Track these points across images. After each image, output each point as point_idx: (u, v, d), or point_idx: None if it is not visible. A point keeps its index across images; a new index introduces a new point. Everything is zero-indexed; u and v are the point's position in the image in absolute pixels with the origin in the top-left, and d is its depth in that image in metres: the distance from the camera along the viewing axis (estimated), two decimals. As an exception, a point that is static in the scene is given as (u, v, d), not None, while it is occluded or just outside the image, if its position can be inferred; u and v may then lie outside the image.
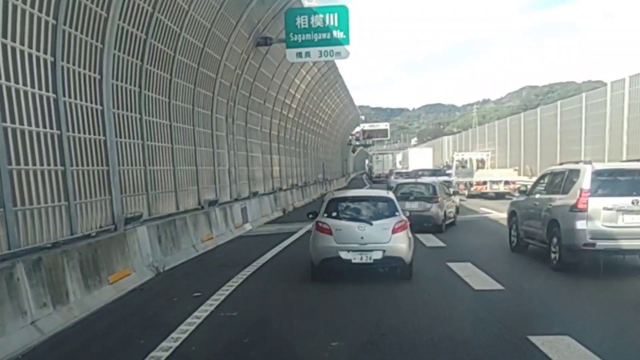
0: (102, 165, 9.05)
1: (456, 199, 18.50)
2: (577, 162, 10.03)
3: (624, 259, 9.38)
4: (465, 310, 6.97)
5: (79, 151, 8.35)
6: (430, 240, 13.34)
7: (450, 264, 10.03)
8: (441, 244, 12.82)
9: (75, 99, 8.30)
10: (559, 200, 9.42)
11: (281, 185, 24.35)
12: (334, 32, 16.74)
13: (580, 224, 8.67)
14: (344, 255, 8.64)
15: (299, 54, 17.04)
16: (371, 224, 8.75)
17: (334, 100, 38.20)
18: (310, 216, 9.72)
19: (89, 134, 8.70)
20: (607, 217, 8.58)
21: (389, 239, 8.70)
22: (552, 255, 9.45)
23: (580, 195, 8.74)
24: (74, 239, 7.77)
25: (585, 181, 8.80)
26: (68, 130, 8.00)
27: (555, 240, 9.33)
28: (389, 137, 77.97)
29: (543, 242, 9.96)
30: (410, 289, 8.28)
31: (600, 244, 8.60)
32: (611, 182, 8.89)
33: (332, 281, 8.84)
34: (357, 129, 70.32)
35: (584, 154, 25.36)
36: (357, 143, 75.69)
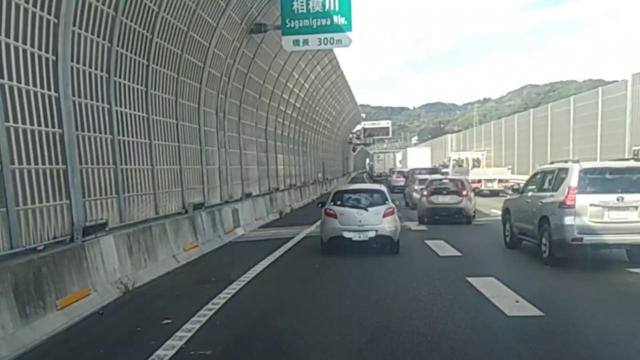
0: (57, 164, 7.54)
1: None
2: (566, 161, 10.45)
3: (610, 253, 9.72)
4: (502, 349, 5.45)
5: (24, 146, 6.84)
6: (444, 248, 11.83)
7: (471, 280, 8.52)
8: (456, 253, 11.30)
9: (19, 82, 6.78)
10: (549, 197, 9.79)
11: (278, 186, 22.85)
12: (335, 18, 15.23)
13: (568, 220, 9.06)
14: (346, 234, 11.00)
15: (296, 42, 15.53)
16: (367, 210, 11.09)
17: (334, 96, 36.70)
18: (320, 205, 12.10)
19: (39, 125, 7.19)
20: (593, 213, 8.97)
21: (380, 221, 10.99)
22: (543, 250, 9.80)
23: (568, 193, 9.12)
24: (13, 255, 6.27)
25: (573, 179, 9.18)
26: (8, 120, 6.50)
27: (545, 235, 9.69)
28: (390, 136, 76.50)
29: (534, 238, 10.27)
30: (430, 314, 6.76)
31: (588, 238, 8.98)
32: (598, 180, 9.23)
33: (333, 315, 7.33)
34: (358, 127, 68.91)
35: (600, 152, 23.88)
36: (358, 142, 74.29)
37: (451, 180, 17.86)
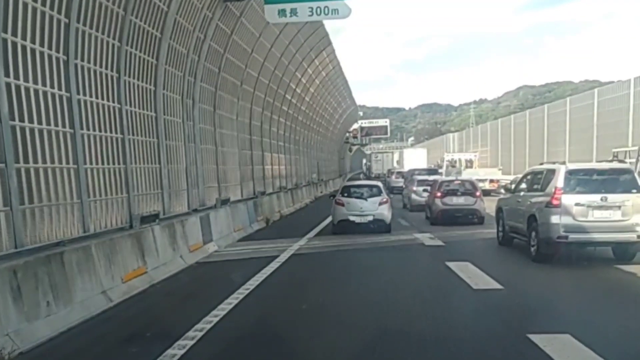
0: None
1: None
2: (553, 163, 10.78)
3: (595, 251, 10.01)
4: None
5: None
6: (475, 276, 8.83)
7: (535, 338, 5.55)
8: (494, 284, 8.28)
9: None
10: (537, 197, 10.13)
11: (265, 189, 19.81)
12: (330, -18, 12.26)
13: (554, 219, 9.39)
14: (351, 218, 14.33)
15: (282, 12, 12.54)
16: (367, 200, 14.53)
17: (329, 90, 33.72)
18: (332, 198, 15.48)
19: None
20: (578, 213, 9.31)
21: (377, 208, 14.41)
22: (532, 248, 10.14)
23: (554, 193, 9.48)
24: None
25: (559, 180, 9.53)
26: None
27: (533, 233, 10.04)
28: (388, 135, 73.68)
29: (524, 236, 10.61)
30: None
31: (573, 236, 9.32)
32: (583, 181, 9.58)
33: None
34: (355, 125, 65.99)
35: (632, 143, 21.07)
36: (355, 141, 71.51)
37: (462, 181, 17.83)
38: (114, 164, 8.95)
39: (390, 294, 8.06)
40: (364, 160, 74.07)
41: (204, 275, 9.88)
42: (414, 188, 21.77)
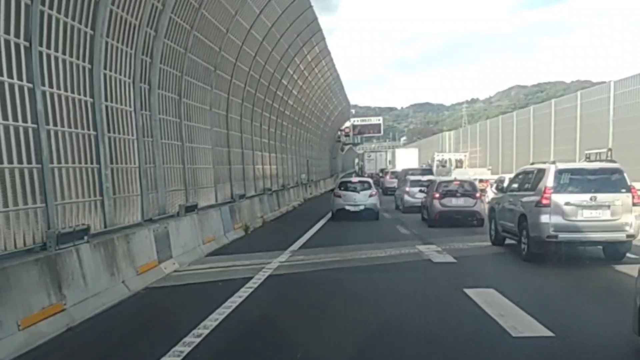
0: None
1: None
2: (544, 162, 10.72)
3: (584, 250, 10.34)
4: None
5: None
6: (509, 313, 6.58)
7: None
8: (541, 329, 5.97)
9: None
10: (528, 196, 10.20)
11: (245, 192, 17.46)
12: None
13: (544, 218, 9.50)
14: (347, 207, 18.10)
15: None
16: (359, 193, 18.32)
17: (319, 84, 31.39)
18: (331, 191, 20.48)
19: None
20: (568, 212, 9.42)
21: (367, 200, 18.19)
22: (522, 247, 10.20)
23: (544, 192, 9.58)
24: None
25: (549, 179, 9.64)
26: None
27: (524, 233, 10.09)
28: (382, 133, 71.53)
29: (515, 235, 10.64)
30: None
31: (562, 236, 9.42)
32: (573, 181, 9.62)
33: None
34: (347, 123, 63.74)
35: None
36: (347, 140, 69.37)
37: (461, 181, 17.28)
38: (20, 163, 6.58)
39: (396, 342, 5.78)
40: (357, 160, 72.00)
41: (147, 308, 7.51)
42: (407, 189, 21.12)
